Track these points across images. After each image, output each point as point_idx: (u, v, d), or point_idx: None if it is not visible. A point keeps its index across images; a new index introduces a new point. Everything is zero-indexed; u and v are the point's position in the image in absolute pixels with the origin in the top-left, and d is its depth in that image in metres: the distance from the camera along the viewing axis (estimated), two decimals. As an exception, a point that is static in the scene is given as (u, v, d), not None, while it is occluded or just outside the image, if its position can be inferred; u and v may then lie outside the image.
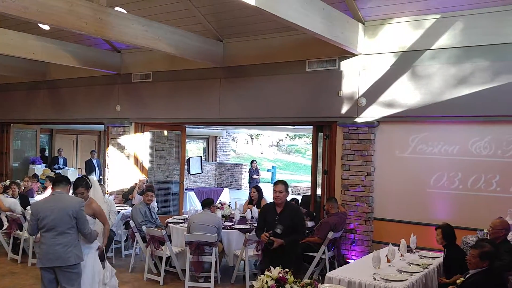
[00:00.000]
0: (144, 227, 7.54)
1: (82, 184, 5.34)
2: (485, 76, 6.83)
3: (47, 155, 16.34)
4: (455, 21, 7.01)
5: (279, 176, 27.12)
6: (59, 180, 5.14)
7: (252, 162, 17.60)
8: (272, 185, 5.34)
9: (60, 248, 4.85)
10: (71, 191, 5.38)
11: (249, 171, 17.49)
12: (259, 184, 13.13)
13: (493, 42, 6.78)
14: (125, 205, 9.75)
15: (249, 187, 17.36)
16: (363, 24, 7.70)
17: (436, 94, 7.17)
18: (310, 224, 8.34)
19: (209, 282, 6.85)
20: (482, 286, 4.48)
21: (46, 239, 4.91)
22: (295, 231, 5.61)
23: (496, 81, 6.74)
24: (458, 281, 4.79)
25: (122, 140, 10.90)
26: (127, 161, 10.83)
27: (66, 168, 15.30)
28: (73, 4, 6.59)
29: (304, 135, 33.60)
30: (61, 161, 15.10)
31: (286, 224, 5.47)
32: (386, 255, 5.54)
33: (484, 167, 6.93)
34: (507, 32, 6.67)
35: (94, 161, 14.66)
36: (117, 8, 7.79)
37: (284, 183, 5.70)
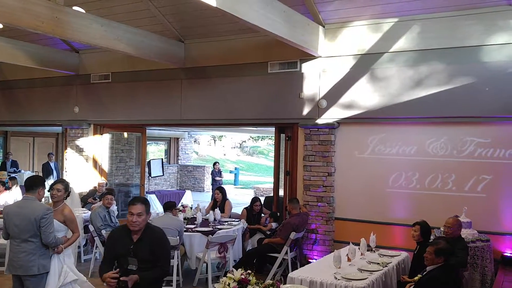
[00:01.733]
0: (103, 231, 7.39)
1: (62, 182, 5.19)
2: (440, 78, 7.04)
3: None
4: (412, 25, 7.20)
5: (242, 178, 27.16)
6: (29, 185, 4.89)
7: (214, 164, 17.53)
8: (130, 204, 4.06)
9: (24, 256, 4.67)
10: (46, 192, 5.15)
11: (212, 173, 17.39)
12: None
13: (447, 46, 7.00)
14: (84, 209, 9.52)
15: (212, 189, 17.26)
16: (323, 27, 7.81)
17: (394, 96, 7.34)
18: (274, 225, 8.37)
19: (171, 285, 6.77)
20: (438, 282, 4.62)
21: (12, 246, 4.76)
22: (156, 266, 4.01)
23: (451, 83, 6.96)
24: (416, 278, 4.91)
25: (80, 142, 10.65)
26: (86, 164, 10.59)
27: (22, 171, 14.81)
28: (28, 3, 6.39)
29: (267, 136, 33.73)
30: (8, 165, 14.57)
31: (143, 256, 3.95)
32: (347, 254, 5.62)
33: (440, 167, 7.14)
34: (459, 36, 6.90)
35: (52, 164, 14.25)
36: (75, 8, 7.60)
37: (144, 202, 4.11)
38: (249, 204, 9.03)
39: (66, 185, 5.20)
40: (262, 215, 8.85)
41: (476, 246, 6.23)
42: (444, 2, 6.87)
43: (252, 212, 8.79)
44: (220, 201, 9.06)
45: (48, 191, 5.19)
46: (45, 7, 6.64)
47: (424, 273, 4.83)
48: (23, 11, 6.36)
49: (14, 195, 9.72)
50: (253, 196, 9.21)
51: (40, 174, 14.53)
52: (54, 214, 4.90)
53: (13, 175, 13.23)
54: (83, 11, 7.71)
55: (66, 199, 5.24)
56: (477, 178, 6.90)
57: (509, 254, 6.61)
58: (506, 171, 6.74)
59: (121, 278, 3.85)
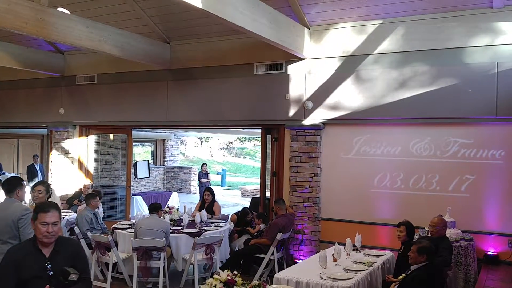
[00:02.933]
0: (89, 233, 7.34)
1: (43, 184, 5.24)
2: (424, 80, 7.12)
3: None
4: (396, 27, 7.28)
5: (229, 179, 27.13)
6: (7, 188, 4.81)
7: (202, 165, 17.47)
8: (41, 212, 3.35)
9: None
10: (27, 192, 5.13)
11: (199, 175, 17.31)
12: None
13: (431, 48, 7.09)
14: (70, 210, 9.45)
15: (199, 191, 17.19)
16: (309, 29, 7.86)
17: (379, 97, 7.41)
18: (262, 226, 8.38)
19: (158, 287, 6.76)
20: (422, 281, 4.68)
21: None
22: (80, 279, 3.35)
23: (434, 85, 7.04)
24: (400, 277, 4.97)
25: (66, 144, 10.57)
26: (72, 165, 10.52)
27: (6, 173, 14.63)
28: (12, 3, 6.34)
29: (253, 137, 33.78)
30: None
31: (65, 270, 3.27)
32: (333, 255, 5.67)
33: (424, 168, 7.23)
34: (443, 38, 6.99)
35: (37, 166, 14.12)
36: (59, 9, 7.56)
37: (57, 207, 3.47)
38: (239, 211, 9.05)
39: (47, 187, 5.32)
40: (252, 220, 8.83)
41: (460, 245, 6.32)
42: (428, 5, 6.97)
43: (243, 220, 8.76)
44: (209, 202, 9.06)
45: (31, 190, 5.22)
46: (29, 8, 6.59)
47: (409, 272, 4.89)
48: (7, 12, 6.30)
49: (-2, 197, 9.60)
50: (243, 208, 9.19)
51: (25, 176, 14.40)
52: None
53: (-2, 177, 13.08)
54: (68, 12, 7.66)
55: (47, 200, 5.28)
56: (461, 178, 7.00)
57: (491, 253, 6.72)
58: (489, 171, 6.84)
59: None
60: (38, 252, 3.34)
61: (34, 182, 12.85)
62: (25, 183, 5.39)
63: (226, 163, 34.94)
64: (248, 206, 9.94)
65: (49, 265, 3.27)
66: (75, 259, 3.44)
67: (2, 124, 12.12)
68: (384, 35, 7.37)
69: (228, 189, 24.04)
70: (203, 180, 16.82)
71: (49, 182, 5.62)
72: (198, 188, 17.87)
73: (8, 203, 4.78)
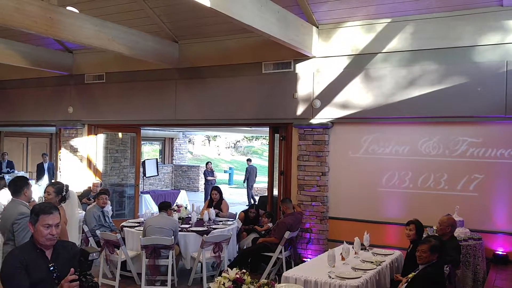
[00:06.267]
0: (98, 231, 7.39)
1: (53, 185, 5.14)
2: (433, 78, 7.09)
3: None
4: (405, 25, 7.25)
5: (236, 178, 27.14)
6: (13, 189, 4.80)
7: (207, 163, 17.50)
8: (42, 214, 3.23)
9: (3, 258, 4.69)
10: (32, 191, 5.08)
11: (204, 173, 17.30)
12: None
13: (440, 46, 7.05)
14: (78, 209, 9.49)
15: (205, 189, 17.21)
16: (317, 27, 7.84)
17: (387, 96, 7.38)
18: (271, 225, 8.38)
19: (166, 285, 6.78)
20: (432, 278, 4.66)
21: None
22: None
23: (443, 84, 7.01)
24: (410, 275, 4.94)
25: (74, 142, 10.64)
26: (80, 164, 10.58)
27: (16, 172, 14.74)
28: (21, 2, 6.38)
29: (261, 136, 33.72)
30: (4, 165, 14.49)
31: (67, 272, 2.99)
32: (341, 253, 5.67)
33: (433, 167, 7.19)
34: (452, 36, 6.95)
35: (46, 165, 14.21)
36: (68, 8, 7.59)
37: (57, 208, 3.39)
38: (247, 209, 9.10)
39: (57, 189, 5.13)
40: (260, 218, 8.84)
41: (468, 244, 6.28)
42: (437, 3, 6.93)
43: (249, 217, 8.81)
44: (217, 200, 9.09)
45: (44, 192, 5.21)
46: (39, 7, 6.63)
47: (417, 270, 4.87)
48: (16, 11, 6.34)
49: (2, 196, 9.63)
50: (251, 204, 9.28)
51: (34, 174, 14.51)
52: None
53: (7, 176, 13.16)
54: (76, 11, 7.69)
55: (64, 202, 5.18)
56: (469, 177, 6.96)
57: (500, 252, 6.68)
58: (497, 170, 6.80)
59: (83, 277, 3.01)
60: (42, 254, 3.24)
61: (41, 181, 13.02)
62: (32, 181, 5.41)
63: (233, 161, 34.96)
64: (256, 203, 9.96)
65: (53, 268, 3.13)
66: (74, 258, 3.23)
67: (11, 122, 12.22)
68: (393, 34, 7.34)
69: (236, 188, 24.06)
70: (208, 178, 16.86)
71: (66, 183, 5.38)
72: (204, 187, 17.87)
73: (12, 205, 4.76)
